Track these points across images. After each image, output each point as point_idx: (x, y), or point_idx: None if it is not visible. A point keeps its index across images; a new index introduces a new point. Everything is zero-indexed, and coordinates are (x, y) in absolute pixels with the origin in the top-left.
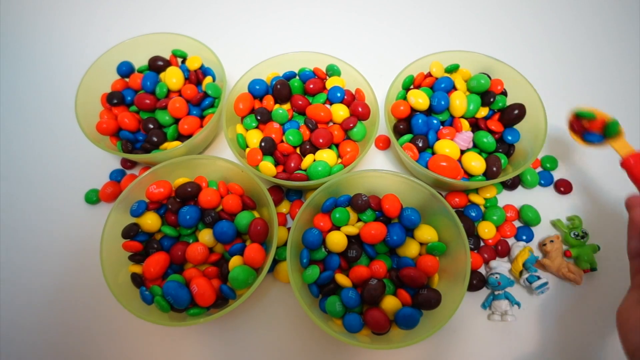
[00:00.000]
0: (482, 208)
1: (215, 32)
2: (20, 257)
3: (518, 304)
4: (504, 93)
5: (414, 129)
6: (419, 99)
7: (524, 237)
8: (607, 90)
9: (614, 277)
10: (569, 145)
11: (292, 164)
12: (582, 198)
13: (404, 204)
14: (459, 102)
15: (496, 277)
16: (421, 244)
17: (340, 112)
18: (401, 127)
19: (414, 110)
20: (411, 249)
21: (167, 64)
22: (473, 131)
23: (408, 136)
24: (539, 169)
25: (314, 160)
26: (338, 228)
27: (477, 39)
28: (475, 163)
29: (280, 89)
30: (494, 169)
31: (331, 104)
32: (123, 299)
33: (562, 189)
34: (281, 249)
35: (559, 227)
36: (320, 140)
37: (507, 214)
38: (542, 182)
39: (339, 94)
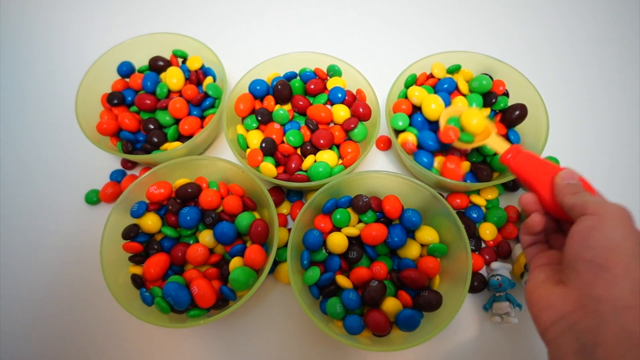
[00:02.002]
0: (484, 209)
1: (216, 32)
2: (19, 257)
3: (519, 306)
4: (506, 94)
5: (415, 127)
6: (416, 92)
7: None
8: (608, 90)
9: None
10: (571, 146)
11: (293, 165)
12: None
13: (405, 205)
14: (461, 104)
15: (497, 279)
16: (422, 245)
17: (341, 112)
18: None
19: (415, 110)
20: (412, 251)
21: (168, 64)
22: None
23: (407, 131)
24: None
25: (315, 161)
26: (339, 229)
27: (478, 40)
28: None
29: (281, 90)
30: (485, 173)
31: (332, 104)
32: (123, 300)
33: None
34: (282, 250)
35: None
36: (321, 141)
37: (509, 215)
38: None
39: (340, 95)
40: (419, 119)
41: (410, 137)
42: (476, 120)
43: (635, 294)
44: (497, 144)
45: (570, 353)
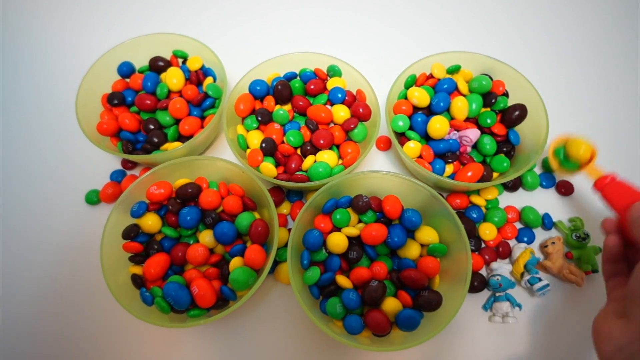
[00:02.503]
0: (484, 209)
1: (216, 32)
2: (19, 257)
3: (519, 306)
4: (506, 94)
5: (415, 127)
6: (415, 93)
7: (525, 239)
8: (607, 90)
9: None
10: None
11: (293, 165)
12: (583, 199)
13: (405, 205)
14: (461, 104)
15: (497, 279)
16: (422, 245)
17: (341, 112)
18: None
19: (415, 110)
20: (412, 251)
21: (168, 64)
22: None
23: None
24: (541, 171)
25: (315, 161)
26: (339, 229)
27: (478, 40)
28: (470, 174)
29: (281, 90)
30: (485, 173)
31: (332, 104)
32: (123, 300)
33: (563, 190)
34: (282, 250)
35: (561, 229)
36: (321, 141)
37: (508, 215)
38: (544, 183)
39: (339, 95)
40: (419, 119)
41: None
42: (582, 150)
43: None
44: (593, 172)
45: None
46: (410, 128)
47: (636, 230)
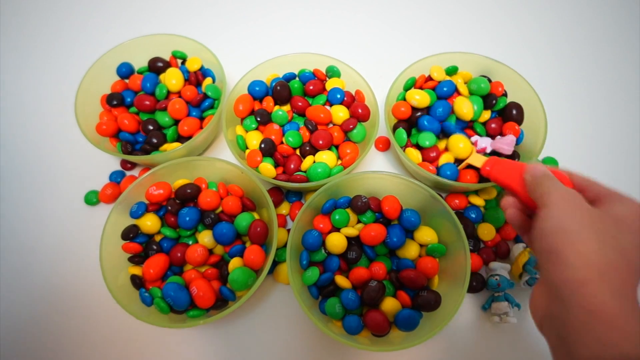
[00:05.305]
0: (482, 210)
1: (215, 33)
2: (19, 258)
3: (518, 306)
4: (505, 95)
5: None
6: (416, 96)
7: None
8: (606, 91)
9: None
10: (570, 147)
11: (292, 166)
12: None
13: (404, 206)
14: (466, 110)
15: (496, 279)
16: (421, 245)
17: (340, 113)
18: (401, 127)
19: (414, 111)
20: (411, 251)
21: (167, 65)
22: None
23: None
24: None
25: (314, 162)
26: (338, 229)
27: (476, 40)
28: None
29: (280, 91)
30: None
31: (331, 105)
32: (123, 300)
33: None
34: (281, 251)
35: None
36: (320, 142)
37: None
38: None
39: (338, 95)
40: (425, 122)
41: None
42: (462, 145)
43: (589, 267)
44: (476, 159)
45: (555, 346)
46: (413, 127)
47: (531, 190)
